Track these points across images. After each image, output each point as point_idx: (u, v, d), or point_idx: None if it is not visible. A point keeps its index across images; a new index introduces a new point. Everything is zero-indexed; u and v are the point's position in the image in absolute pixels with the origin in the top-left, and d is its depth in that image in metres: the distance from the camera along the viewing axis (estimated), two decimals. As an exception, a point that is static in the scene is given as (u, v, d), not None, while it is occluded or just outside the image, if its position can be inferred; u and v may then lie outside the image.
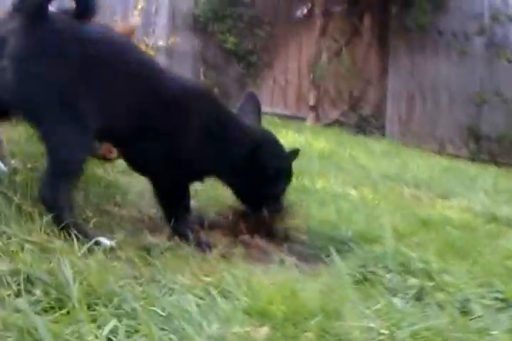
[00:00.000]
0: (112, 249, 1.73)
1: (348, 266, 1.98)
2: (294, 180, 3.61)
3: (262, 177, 2.21)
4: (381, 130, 9.51)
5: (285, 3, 9.93)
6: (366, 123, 9.47)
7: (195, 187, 2.53)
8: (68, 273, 1.39)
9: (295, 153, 2.43)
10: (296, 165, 4.19)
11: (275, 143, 2.33)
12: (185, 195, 2.22)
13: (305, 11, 9.80)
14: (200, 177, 2.25)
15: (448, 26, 8.98)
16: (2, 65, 1.71)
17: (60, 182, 1.78)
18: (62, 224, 1.70)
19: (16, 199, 1.78)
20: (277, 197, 2.33)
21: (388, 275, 1.96)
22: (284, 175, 2.36)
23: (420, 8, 8.59)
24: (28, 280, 1.37)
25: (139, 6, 5.59)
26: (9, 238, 1.58)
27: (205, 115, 2.12)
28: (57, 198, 1.76)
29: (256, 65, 9.77)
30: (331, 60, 9.30)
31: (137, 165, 2.17)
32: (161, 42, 7.21)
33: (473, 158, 8.43)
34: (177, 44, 7.69)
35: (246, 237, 2.18)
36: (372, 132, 9.27)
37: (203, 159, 2.12)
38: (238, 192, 2.29)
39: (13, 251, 1.50)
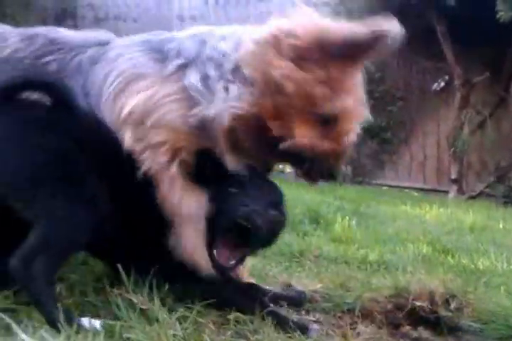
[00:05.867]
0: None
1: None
2: (450, 259, 3.29)
3: None
4: (532, 201, 8.95)
5: (417, 77, 9.72)
6: (516, 194, 8.90)
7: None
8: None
9: None
10: (449, 241, 3.89)
11: None
12: None
13: (442, 84, 9.46)
14: None
15: None
16: None
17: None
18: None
19: (139, 302, 1.61)
20: None
21: None
22: None
23: None
24: None
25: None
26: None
27: None
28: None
29: (390, 141, 9.57)
30: (474, 132, 8.86)
31: None
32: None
33: None
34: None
35: (408, 330, 1.85)
36: (524, 203, 8.76)
37: None
38: None
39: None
